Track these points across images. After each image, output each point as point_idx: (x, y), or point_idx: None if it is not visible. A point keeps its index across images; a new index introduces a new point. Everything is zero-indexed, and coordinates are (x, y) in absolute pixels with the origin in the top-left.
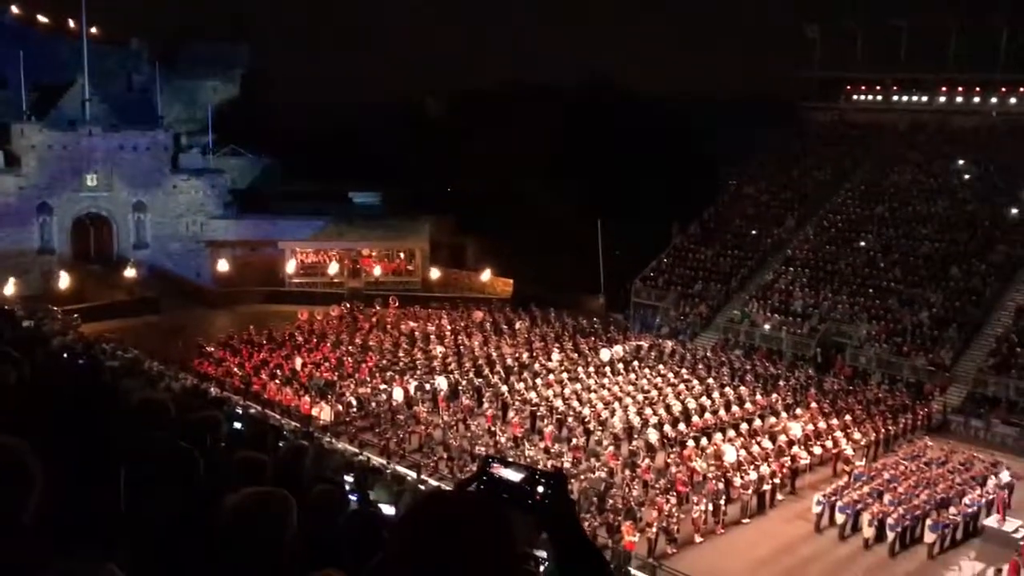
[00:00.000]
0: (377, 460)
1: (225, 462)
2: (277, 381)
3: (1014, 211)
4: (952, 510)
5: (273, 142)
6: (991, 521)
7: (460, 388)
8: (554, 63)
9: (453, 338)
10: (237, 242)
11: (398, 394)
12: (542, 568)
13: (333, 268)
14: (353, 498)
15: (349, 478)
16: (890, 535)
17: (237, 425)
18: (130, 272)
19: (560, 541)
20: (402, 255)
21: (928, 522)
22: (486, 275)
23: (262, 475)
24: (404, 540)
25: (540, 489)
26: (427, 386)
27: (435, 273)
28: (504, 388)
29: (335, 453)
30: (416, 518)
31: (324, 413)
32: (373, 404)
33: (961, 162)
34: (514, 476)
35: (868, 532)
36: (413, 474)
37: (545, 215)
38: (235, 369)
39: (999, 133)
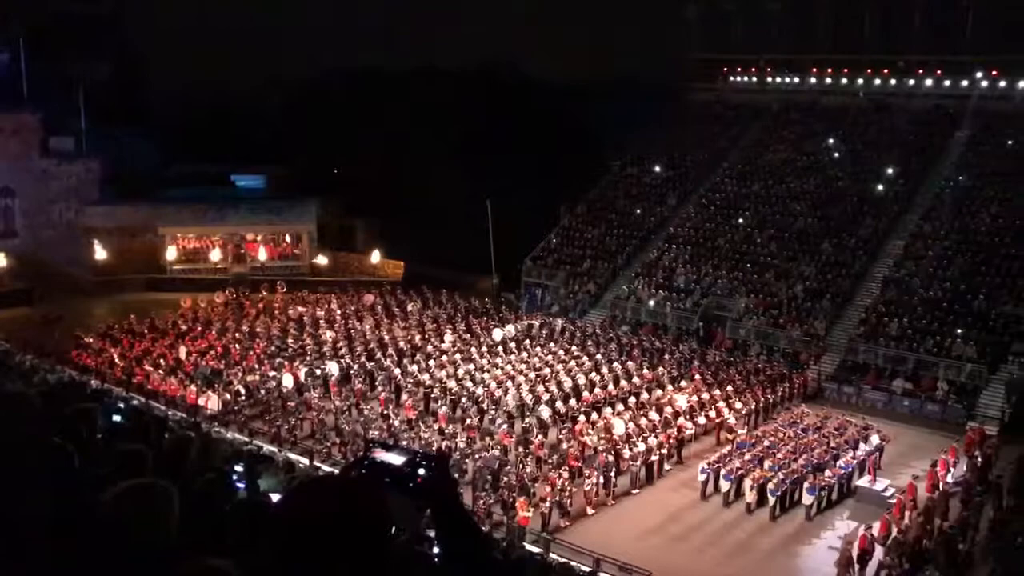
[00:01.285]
0: (268, 448)
1: (104, 456)
2: (161, 371)
3: (880, 187)
4: (828, 473)
5: (152, 125)
6: (863, 482)
7: (352, 372)
8: (445, 44)
9: (343, 322)
10: (115, 229)
11: (288, 381)
12: (436, 549)
13: (216, 254)
14: (241, 487)
15: (238, 467)
16: (771, 499)
17: (117, 418)
18: None
19: (442, 520)
20: (288, 239)
21: (806, 485)
22: (376, 257)
23: (143, 468)
24: (281, 525)
25: (422, 471)
26: (318, 371)
27: (323, 257)
28: (397, 371)
29: (223, 443)
30: (293, 503)
31: (211, 402)
32: (262, 392)
33: (831, 140)
34: (396, 460)
35: (750, 497)
36: (305, 461)
37: (436, 196)
38: (116, 360)
39: (866, 112)
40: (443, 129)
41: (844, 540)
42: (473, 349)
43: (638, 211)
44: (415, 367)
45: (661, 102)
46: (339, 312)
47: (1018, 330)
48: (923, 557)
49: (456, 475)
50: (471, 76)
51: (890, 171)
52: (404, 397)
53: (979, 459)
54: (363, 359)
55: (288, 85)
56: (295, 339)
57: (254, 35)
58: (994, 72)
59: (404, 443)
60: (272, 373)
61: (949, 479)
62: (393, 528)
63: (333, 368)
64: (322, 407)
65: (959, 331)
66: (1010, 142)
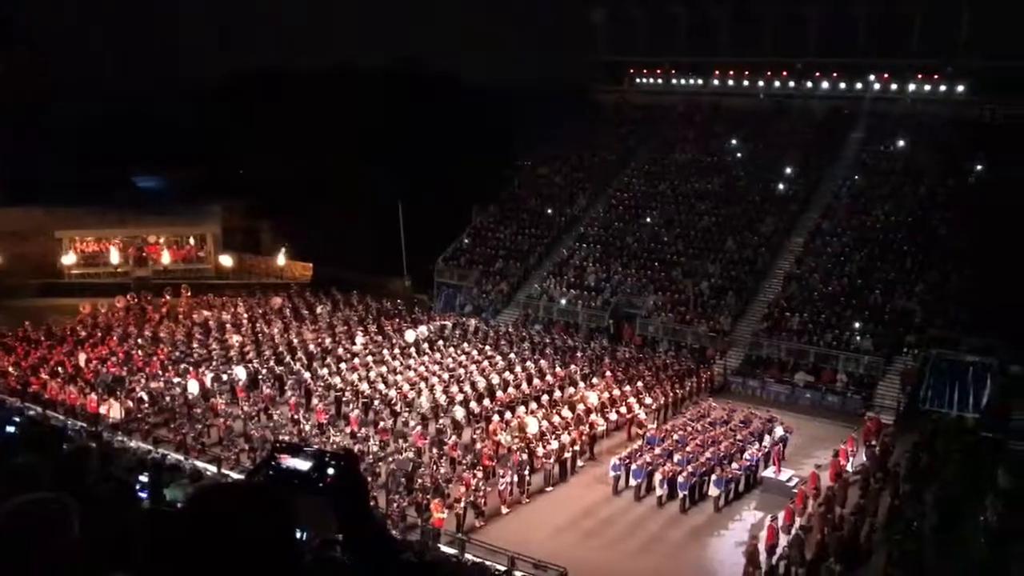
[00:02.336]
0: (174, 457)
1: None
2: (59, 379)
3: (781, 186)
4: (735, 465)
5: (47, 126)
6: (769, 473)
7: (260, 377)
8: (351, 43)
9: (251, 326)
10: (6, 232)
11: (193, 387)
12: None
13: (115, 257)
14: (145, 497)
15: (143, 477)
16: (681, 492)
17: (10, 429)
18: None
19: (348, 521)
20: (192, 241)
21: (713, 477)
22: (283, 259)
23: (38, 481)
24: (182, 531)
25: (330, 472)
26: (224, 377)
27: (228, 259)
28: (307, 375)
29: (126, 452)
30: (193, 509)
31: (113, 411)
32: (167, 398)
33: (734, 141)
34: (303, 461)
35: (661, 491)
36: (213, 468)
37: (344, 197)
38: (10, 369)
39: (766, 114)
40: (351, 129)
41: (750, 533)
42: (385, 351)
43: (549, 211)
44: (326, 370)
45: (570, 103)
46: (246, 315)
47: (912, 323)
48: (823, 547)
49: (369, 477)
50: (379, 76)
51: (789, 171)
52: (315, 401)
53: (877, 448)
54: (272, 363)
55: (189, 85)
56: (201, 344)
57: (152, 34)
58: (885, 75)
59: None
60: (177, 379)
61: (849, 468)
62: (301, 532)
63: (240, 373)
64: (229, 413)
65: (857, 325)
66: (901, 143)
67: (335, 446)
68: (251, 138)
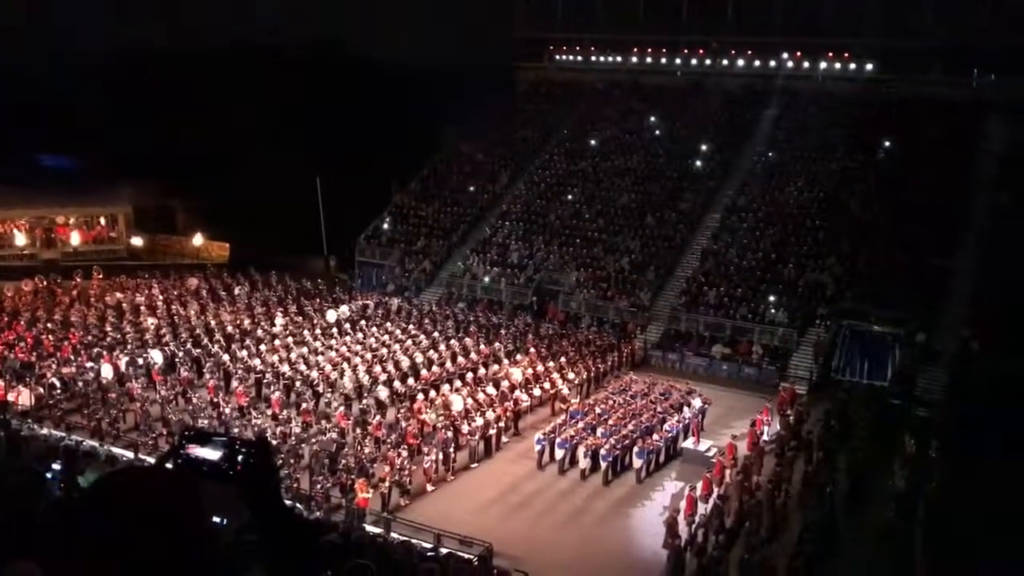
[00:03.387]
0: (89, 443)
1: None
2: None
3: (698, 163)
4: (655, 437)
5: None
6: (688, 443)
7: (177, 360)
8: (274, 23)
9: (166, 308)
10: None
11: (107, 371)
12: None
13: (21, 239)
14: (57, 484)
15: (56, 465)
16: (603, 465)
17: None
18: None
19: (260, 509)
20: (103, 221)
21: (635, 449)
22: (199, 240)
23: None
24: (86, 516)
25: (240, 459)
26: (140, 360)
27: (140, 240)
28: (226, 357)
29: (37, 440)
30: (98, 493)
31: (23, 398)
32: (79, 384)
33: (652, 119)
34: (213, 448)
35: (584, 464)
36: (130, 455)
37: (262, 176)
38: None
39: (683, 91)
40: (269, 108)
41: (672, 503)
42: (306, 332)
43: (471, 189)
44: (245, 352)
45: (490, 81)
46: (161, 297)
47: (824, 296)
48: (741, 514)
49: (292, 459)
50: (297, 53)
51: (705, 148)
52: (234, 384)
53: (791, 417)
54: (189, 346)
55: (101, 62)
56: (114, 327)
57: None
58: (798, 53)
59: (223, 431)
60: (90, 364)
61: (765, 437)
62: (211, 518)
63: (156, 356)
64: (146, 397)
65: (771, 298)
66: (813, 120)
67: (256, 428)
68: (165, 117)
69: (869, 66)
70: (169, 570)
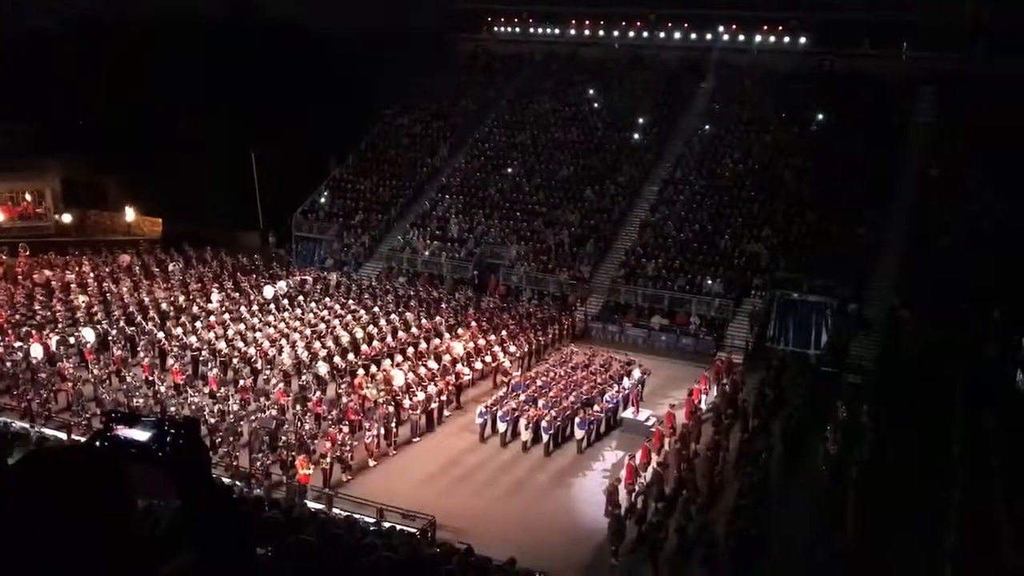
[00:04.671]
0: (19, 425)
1: None
2: None
3: (636, 136)
4: (596, 408)
5: None
6: (628, 413)
7: (110, 339)
8: None
9: (98, 285)
10: None
11: (37, 351)
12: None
13: None
14: None
15: None
16: (545, 436)
17: None
18: None
19: (190, 491)
20: (29, 197)
21: (576, 420)
22: (130, 215)
23: None
24: (6, 496)
25: (169, 440)
26: (71, 339)
27: (68, 216)
28: (160, 335)
29: None
30: (18, 473)
31: None
32: (8, 364)
33: (591, 91)
34: (141, 429)
35: (526, 436)
36: (63, 435)
37: (194, 150)
38: None
39: (621, 64)
40: (200, 78)
41: (611, 473)
42: (243, 308)
43: (410, 162)
44: (180, 330)
45: (429, 51)
46: (92, 275)
47: (759, 266)
48: (680, 482)
49: (231, 437)
50: (228, 21)
51: (643, 121)
52: (170, 362)
53: (727, 386)
54: (122, 324)
55: (22, 31)
56: (43, 305)
57: None
58: (734, 26)
59: (158, 411)
60: (18, 344)
61: (702, 406)
62: (137, 500)
63: (88, 335)
64: (78, 377)
65: (708, 269)
66: (748, 93)
67: (193, 406)
68: (91, 89)
69: (803, 40)
70: (88, 550)
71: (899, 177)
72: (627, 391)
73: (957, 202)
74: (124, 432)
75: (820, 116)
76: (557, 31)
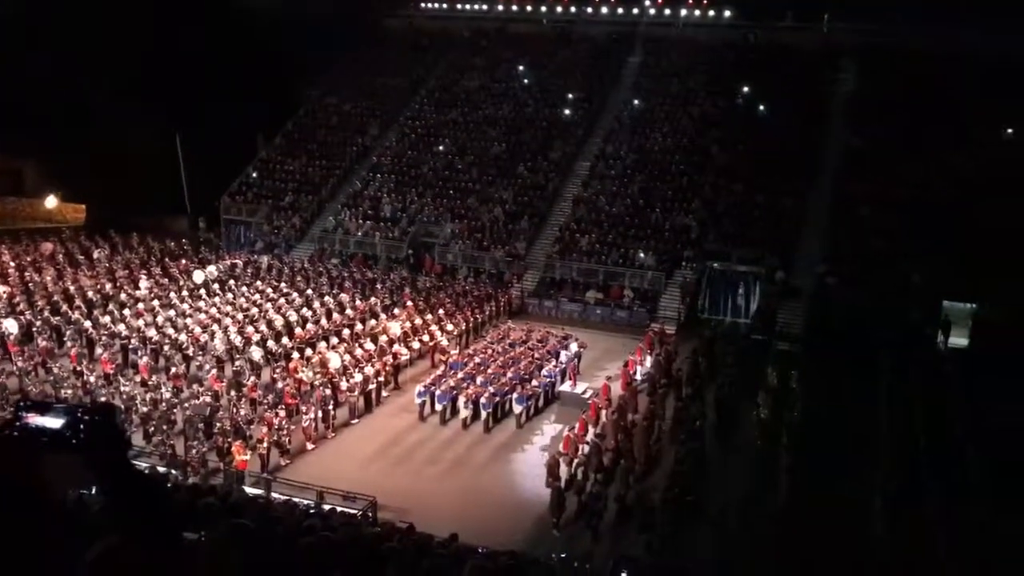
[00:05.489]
0: None
1: None
2: None
3: (567, 112)
4: (534, 382)
5: None
6: (565, 387)
7: (34, 329)
8: None
9: (19, 275)
10: None
11: None
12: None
13: None
14: None
15: None
16: (484, 413)
17: None
18: None
19: (108, 477)
20: None
21: (515, 396)
22: (51, 201)
23: None
24: None
25: (83, 427)
26: None
27: None
28: (87, 324)
29: None
30: None
31: None
32: None
33: (520, 68)
34: (54, 417)
35: (465, 413)
36: None
37: (115, 133)
38: None
39: (550, 39)
40: (118, 57)
41: (550, 446)
42: (172, 294)
43: (339, 141)
44: (108, 318)
45: (355, 29)
46: (12, 264)
47: (689, 238)
48: (618, 452)
49: (165, 425)
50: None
51: (572, 96)
52: (99, 351)
53: (661, 356)
54: (46, 313)
55: None
56: None
57: None
58: (659, 0)
59: (62, 400)
60: None
61: (638, 377)
62: (53, 487)
63: (11, 326)
64: (1, 369)
65: (640, 243)
66: (675, 67)
67: (124, 395)
68: (5, 69)
69: (727, 13)
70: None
71: (823, 148)
72: (564, 365)
73: (878, 170)
74: (35, 420)
75: (745, 89)
76: (484, 7)
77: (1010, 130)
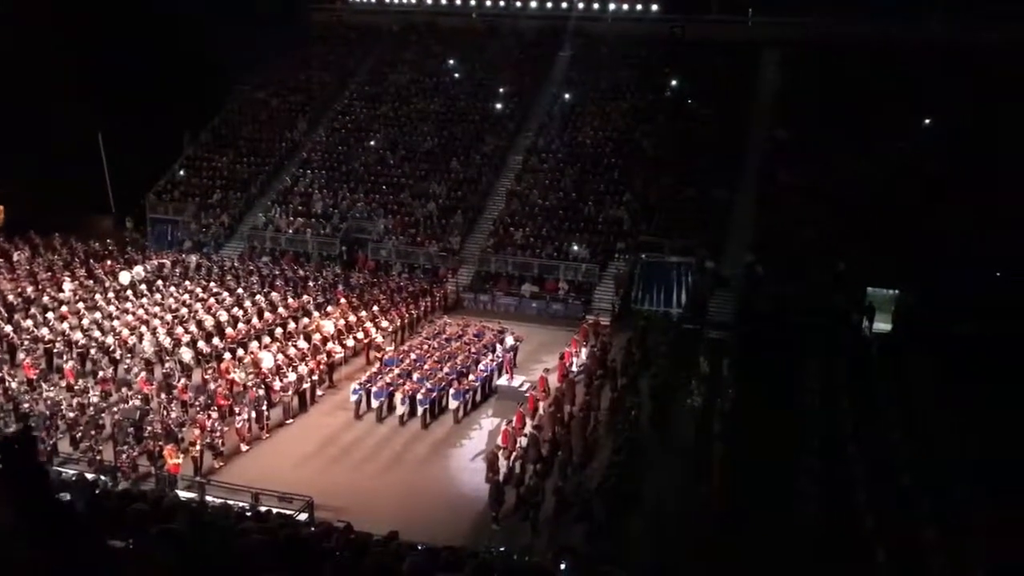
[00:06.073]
0: None
1: None
2: None
3: (498, 106)
4: (471, 377)
5: None
6: (502, 381)
7: None
8: None
9: None
10: None
11: None
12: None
13: None
14: None
15: None
16: (421, 409)
17: None
18: None
19: (26, 504)
20: None
21: (451, 391)
22: None
23: None
24: None
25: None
26: None
27: None
28: (8, 328)
29: None
30: None
31: None
32: None
33: (451, 62)
34: None
35: (402, 410)
36: None
37: (35, 131)
38: None
39: (480, 33)
40: (37, 54)
41: (488, 440)
42: (98, 296)
43: (268, 137)
44: (30, 322)
45: (282, 23)
46: None
47: (622, 231)
48: (555, 444)
49: (93, 431)
50: None
51: (503, 90)
52: (21, 356)
53: (597, 348)
54: None
55: None
56: None
57: None
58: None
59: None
60: None
61: (574, 369)
62: None
63: None
64: None
65: (574, 236)
66: (605, 60)
67: (48, 401)
68: None
69: (655, 7)
70: None
71: (750, 139)
72: (500, 359)
73: (804, 162)
74: None
75: (674, 82)
76: (414, 1)
77: (927, 121)
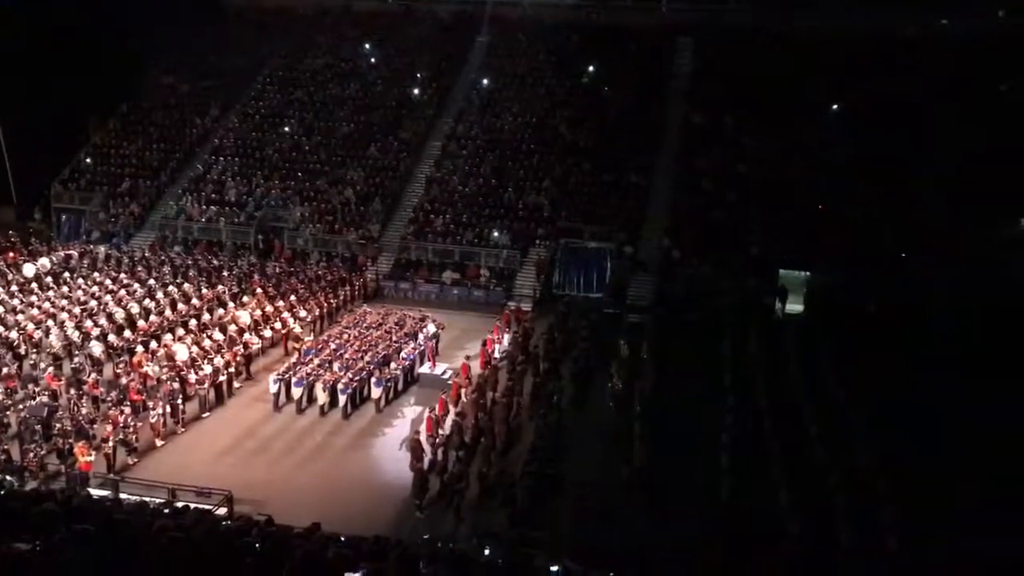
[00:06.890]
0: None
1: None
2: None
3: (416, 91)
4: (393, 365)
5: None
6: (424, 369)
7: None
8: None
9: None
10: None
11: None
12: None
13: None
14: None
15: None
16: (342, 399)
17: None
18: None
19: None
20: None
21: (373, 380)
22: None
23: None
24: None
25: None
26: None
27: None
28: None
29: None
30: None
31: None
32: None
33: (367, 46)
34: None
35: (322, 400)
36: None
37: None
38: None
39: (396, 18)
40: None
41: (412, 428)
42: (0, 289)
43: (180, 123)
44: None
45: (191, 6)
46: None
47: (542, 217)
48: (478, 429)
49: None
50: None
51: (420, 76)
52: None
53: (519, 334)
54: None
55: None
56: None
57: None
58: None
59: None
60: None
61: (496, 355)
62: None
63: None
64: None
65: (494, 222)
66: (522, 47)
67: None
68: None
69: None
70: None
71: (666, 125)
72: (422, 347)
73: (717, 147)
74: None
75: (590, 68)
76: None
77: (835, 107)
